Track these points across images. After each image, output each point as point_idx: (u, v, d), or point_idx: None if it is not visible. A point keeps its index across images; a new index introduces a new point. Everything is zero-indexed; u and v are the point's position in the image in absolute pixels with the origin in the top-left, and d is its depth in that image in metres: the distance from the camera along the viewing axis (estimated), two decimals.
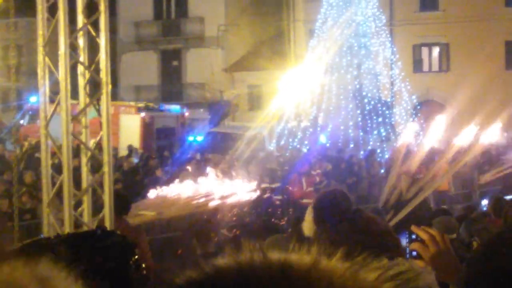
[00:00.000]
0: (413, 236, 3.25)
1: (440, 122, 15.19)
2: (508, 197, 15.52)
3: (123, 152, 27.53)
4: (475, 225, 8.97)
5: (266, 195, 20.61)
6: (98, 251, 2.62)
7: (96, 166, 9.01)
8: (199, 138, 29.68)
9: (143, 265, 2.85)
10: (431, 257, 3.19)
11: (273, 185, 20.84)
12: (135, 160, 25.74)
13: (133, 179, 21.22)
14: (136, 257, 2.75)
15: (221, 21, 43.35)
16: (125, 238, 2.80)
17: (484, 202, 15.51)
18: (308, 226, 5.08)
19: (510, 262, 2.55)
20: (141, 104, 33.24)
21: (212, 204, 14.07)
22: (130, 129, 31.03)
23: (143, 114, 32.08)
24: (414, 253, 3.26)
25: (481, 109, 37.47)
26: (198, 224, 7.62)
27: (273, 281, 1.20)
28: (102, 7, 8.35)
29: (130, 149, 27.61)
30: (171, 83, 44.45)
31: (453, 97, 40.17)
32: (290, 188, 20.74)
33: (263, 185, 20.95)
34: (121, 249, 2.73)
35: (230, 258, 1.25)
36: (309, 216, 5.11)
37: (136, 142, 30.32)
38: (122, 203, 8.98)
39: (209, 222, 8.15)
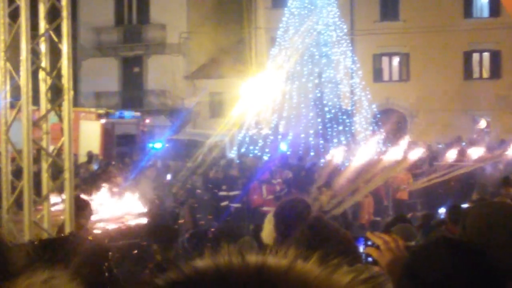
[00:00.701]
0: (369, 242, 3.30)
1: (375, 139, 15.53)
2: (465, 205, 15.69)
3: (82, 158, 27.31)
4: (432, 232, 9.08)
5: (224, 203, 20.61)
6: (73, 256, 2.63)
7: (56, 172, 8.95)
8: (160, 145, 29.57)
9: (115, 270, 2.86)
10: (386, 263, 3.24)
11: (231, 193, 20.82)
12: (94, 166, 25.56)
13: (93, 186, 21.05)
14: (109, 261, 2.77)
15: (183, 28, 43.28)
16: (99, 244, 2.83)
17: (442, 210, 15.67)
18: (267, 234, 5.11)
19: (430, 274, 2.63)
20: (101, 111, 32.99)
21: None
22: (90, 135, 30.77)
23: (103, 120, 31.85)
24: (370, 258, 3.31)
25: (440, 118, 38.05)
26: (159, 230, 7.61)
27: (251, 283, 1.23)
28: (65, 13, 8.32)
29: (90, 155, 27.40)
30: (132, 90, 44.21)
31: (413, 106, 40.65)
32: (250, 195, 20.77)
33: (221, 193, 20.93)
34: (95, 254, 2.74)
35: (209, 260, 1.28)
36: (268, 224, 5.13)
37: (96, 148, 30.08)
38: (84, 209, 8.94)
39: (171, 228, 8.15)
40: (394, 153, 14.65)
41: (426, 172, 21.67)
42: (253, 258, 1.28)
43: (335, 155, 15.63)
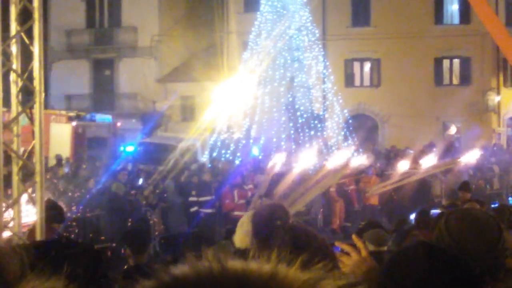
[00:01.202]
0: (338, 249, 3.32)
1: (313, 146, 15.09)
2: (435, 211, 15.76)
3: (52, 161, 27.11)
4: (406, 237, 9.10)
5: (193, 209, 20.54)
6: (66, 259, 2.59)
7: (26, 175, 8.86)
8: (131, 149, 29.44)
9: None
10: (355, 268, 3.25)
11: (201, 199, 20.74)
12: (65, 169, 25.38)
13: (64, 189, 20.90)
14: (103, 264, 2.73)
15: (155, 31, 43.17)
16: (92, 247, 2.79)
17: (413, 216, 15.75)
18: (240, 238, 5.08)
19: (409, 279, 2.63)
20: (72, 113, 32.78)
21: None
22: (61, 138, 30.53)
23: (74, 123, 31.66)
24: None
25: (411, 124, 38.30)
26: (132, 234, 7.55)
27: None
28: (36, 15, 8.24)
29: (58, 158, 27.21)
30: (103, 93, 43.99)
31: (384, 111, 40.88)
32: (222, 200, 20.73)
33: (191, 199, 20.85)
34: (88, 257, 2.70)
35: (189, 267, 1.24)
36: (240, 228, 5.11)
37: (66, 151, 29.89)
38: (56, 213, 8.85)
39: (144, 233, 8.08)
40: (338, 159, 14.15)
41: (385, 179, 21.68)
42: (234, 264, 1.24)
43: (278, 161, 14.82)
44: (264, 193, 13.06)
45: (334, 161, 13.82)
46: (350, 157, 14.48)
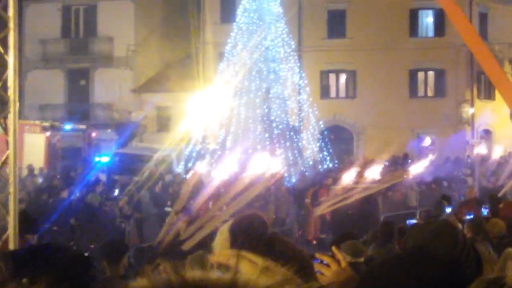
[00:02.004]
0: (317, 260, 3.32)
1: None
2: (412, 221, 15.84)
3: (26, 172, 26.90)
4: (386, 246, 9.14)
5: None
6: (57, 264, 2.56)
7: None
8: (106, 159, 29.29)
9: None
10: (334, 279, 3.26)
11: None
12: (39, 180, 25.20)
13: (37, 199, 20.74)
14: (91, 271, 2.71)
15: (131, 41, 43.06)
16: (82, 252, 2.76)
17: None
18: (220, 245, 5.04)
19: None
20: (46, 123, 32.57)
21: None
22: (35, 148, 30.32)
23: (48, 133, 31.45)
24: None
25: (386, 135, 38.46)
26: (109, 246, 7.49)
27: None
28: (12, 24, 8.19)
29: (30, 168, 27.00)
30: (78, 103, 43.76)
31: (359, 123, 41.05)
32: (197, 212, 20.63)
33: (167, 209, 20.75)
34: (78, 262, 2.67)
35: (147, 281, 1.21)
36: (221, 235, 5.07)
37: (40, 161, 29.68)
38: (29, 223, 8.77)
39: (119, 244, 8.02)
40: (259, 167, 12.99)
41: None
42: (193, 275, 1.22)
43: (197, 172, 13.66)
44: (181, 208, 12.14)
45: (255, 170, 12.82)
46: (272, 164, 13.31)
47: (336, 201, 15.75)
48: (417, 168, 15.27)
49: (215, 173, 13.62)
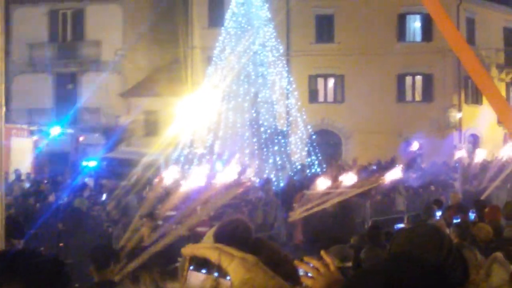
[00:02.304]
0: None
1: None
2: (399, 226, 15.84)
3: (13, 176, 26.80)
4: (367, 253, 9.13)
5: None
6: (31, 269, 2.54)
7: None
8: (94, 163, 29.22)
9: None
10: (323, 284, 3.25)
11: (165, 213, 20.58)
12: (26, 184, 25.11)
13: (25, 204, 20.67)
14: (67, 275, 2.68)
15: (118, 45, 43.00)
16: (56, 257, 2.73)
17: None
18: None
19: None
20: (33, 128, 32.48)
21: None
22: (22, 153, 30.23)
23: (35, 137, 31.37)
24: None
25: (374, 139, 38.55)
26: (97, 251, 7.45)
27: None
28: None
29: (18, 173, 26.91)
30: (66, 107, 43.59)
31: (347, 127, 41.12)
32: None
33: None
34: (52, 267, 2.65)
35: None
36: (208, 240, 5.07)
37: (27, 166, 29.58)
38: (15, 228, 8.73)
39: (107, 249, 7.99)
40: (228, 175, 12.49)
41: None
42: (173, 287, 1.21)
43: (166, 177, 13.18)
44: (146, 213, 11.82)
45: (225, 177, 12.49)
46: (241, 172, 12.82)
47: (311, 207, 15.25)
48: (393, 174, 14.76)
49: (186, 180, 13.08)
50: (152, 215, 11.70)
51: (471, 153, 32.60)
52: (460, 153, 23.81)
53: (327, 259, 3.44)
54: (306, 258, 3.37)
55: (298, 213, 15.15)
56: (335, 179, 16.22)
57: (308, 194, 16.98)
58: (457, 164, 33.81)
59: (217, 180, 12.34)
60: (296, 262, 3.23)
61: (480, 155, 23.23)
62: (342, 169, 31.37)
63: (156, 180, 13.91)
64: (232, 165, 13.49)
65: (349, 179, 14.90)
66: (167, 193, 14.31)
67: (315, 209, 15.11)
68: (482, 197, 16.53)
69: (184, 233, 11.43)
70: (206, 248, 1.79)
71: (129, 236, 10.94)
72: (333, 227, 16.33)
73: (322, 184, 15.30)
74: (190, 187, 12.94)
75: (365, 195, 24.46)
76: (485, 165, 25.24)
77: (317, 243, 14.06)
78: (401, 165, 25.72)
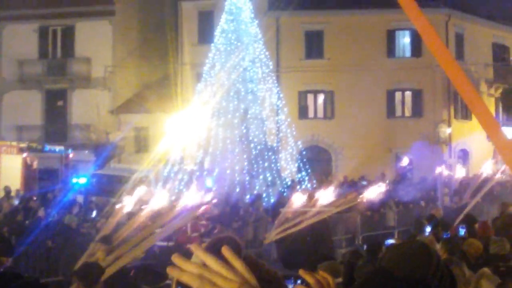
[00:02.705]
0: (298, 282, 3.28)
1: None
2: (389, 241, 15.81)
3: (2, 193, 26.71)
4: (360, 269, 9.12)
5: None
6: None
7: None
8: (84, 180, 29.14)
9: None
10: None
11: (156, 231, 20.53)
12: (16, 201, 25.01)
13: (14, 221, 20.57)
14: None
15: (108, 62, 42.99)
16: (37, 279, 2.72)
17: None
18: None
19: None
20: (23, 144, 32.37)
21: None
22: (11, 169, 30.12)
23: (25, 154, 31.26)
24: None
25: (364, 155, 38.59)
26: (84, 268, 7.42)
27: None
28: None
29: (7, 190, 26.81)
30: (56, 124, 43.55)
31: (337, 143, 41.17)
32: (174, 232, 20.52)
33: None
34: None
35: None
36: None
37: (17, 183, 29.46)
38: (4, 246, 8.68)
39: (95, 266, 7.95)
40: (191, 198, 11.73)
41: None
42: None
43: (130, 201, 12.32)
44: (102, 237, 11.44)
45: (187, 200, 11.89)
46: (203, 194, 12.11)
47: (287, 227, 14.38)
48: (371, 192, 14.03)
49: (148, 202, 12.54)
50: (107, 238, 11.28)
51: (460, 168, 32.65)
52: (440, 169, 23.59)
53: (324, 274, 3.42)
54: (301, 272, 3.35)
55: (273, 235, 14.40)
56: (311, 196, 15.43)
57: (284, 212, 15.75)
58: (446, 180, 33.90)
59: (178, 201, 11.80)
60: (300, 271, 3.21)
61: (461, 171, 23.16)
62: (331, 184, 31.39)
63: (118, 205, 13.29)
64: (193, 186, 12.86)
65: (325, 197, 14.17)
66: (129, 216, 13.67)
67: (291, 230, 14.50)
68: (463, 214, 16.46)
69: (139, 256, 11.09)
70: (189, 276, 1.79)
71: (84, 260, 10.73)
72: (309, 246, 15.72)
73: (298, 201, 14.54)
74: (153, 209, 12.40)
75: (355, 209, 24.52)
76: (465, 181, 25.21)
77: (293, 263, 13.63)
78: (386, 182, 25.60)
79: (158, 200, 12.37)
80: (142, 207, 12.41)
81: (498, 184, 26.57)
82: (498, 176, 17.78)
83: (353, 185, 30.38)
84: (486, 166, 18.51)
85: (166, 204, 12.65)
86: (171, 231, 11.80)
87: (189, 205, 11.28)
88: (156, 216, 12.90)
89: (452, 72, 3.16)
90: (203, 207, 11.70)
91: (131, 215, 13.62)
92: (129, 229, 11.73)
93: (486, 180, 18.59)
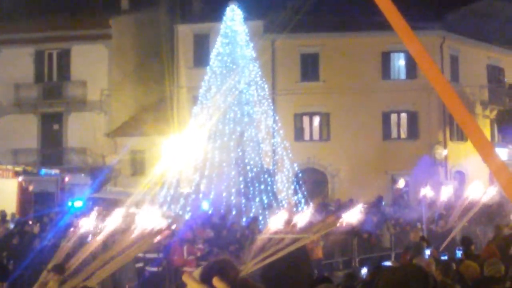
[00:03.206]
0: None
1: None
2: (386, 263, 15.77)
3: None
4: None
5: (139, 265, 20.15)
6: None
7: None
8: (80, 204, 29.06)
9: None
10: None
11: (148, 255, 20.39)
12: (11, 225, 24.93)
13: (9, 245, 20.49)
14: None
15: (104, 85, 43.05)
16: None
17: (364, 270, 15.71)
18: None
19: None
20: (19, 168, 32.33)
21: None
22: (7, 193, 30.06)
23: (20, 178, 31.20)
24: None
25: (360, 177, 38.59)
26: None
27: None
28: None
29: (3, 214, 26.74)
30: (51, 147, 43.52)
31: (333, 165, 41.16)
32: (170, 256, 20.43)
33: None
34: None
35: None
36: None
37: (13, 207, 29.39)
38: (0, 270, 8.66)
39: None
40: (148, 222, 10.87)
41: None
42: None
43: (83, 225, 11.74)
44: (54, 266, 10.89)
45: (144, 226, 11.22)
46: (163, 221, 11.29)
47: (264, 257, 13.46)
48: (351, 215, 13.37)
49: (101, 228, 11.89)
50: (59, 267, 10.79)
51: (457, 190, 32.47)
52: (424, 191, 23.29)
53: None
54: None
55: (250, 266, 13.45)
56: (288, 222, 14.74)
57: (260, 240, 14.90)
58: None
59: (136, 227, 11.14)
60: None
61: (446, 194, 22.78)
62: (327, 207, 31.40)
63: (72, 228, 12.72)
64: (151, 211, 12.24)
65: (304, 221, 13.44)
66: (81, 242, 13.04)
67: (269, 260, 13.72)
68: (448, 239, 16.27)
69: (94, 286, 10.61)
70: None
71: None
72: (288, 272, 15.05)
73: (275, 227, 13.71)
74: (108, 235, 11.66)
75: (352, 232, 24.47)
76: (450, 204, 24.91)
77: None
78: (383, 204, 25.35)
79: (113, 223, 11.50)
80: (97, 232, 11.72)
81: (494, 205, 26.51)
82: (484, 199, 17.61)
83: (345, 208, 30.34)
84: (473, 188, 18.35)
85: (123, 227, 11.99)
86: (128, 259, 11.29)
87: (146, 231, 10.68)
88: (111, 242, 12.41)
89: (446, 95, 3.18)
90: (161, 234, 11.05)
91: (83, 239, 13.08)
92: (82, 256, 11.16)
93: (473, 203, 18.37)
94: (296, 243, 11.52)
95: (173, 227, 16.07)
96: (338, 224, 12.93)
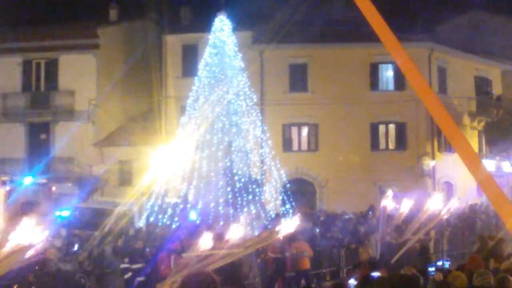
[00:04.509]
0: None
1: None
2: (375, 274, 15.71)
3: None
4: None
5: (127, 275, 20.07)
6: None
7: None
8: (67, 213, 28.94)
9: None
10: None
11: (134, 266, 20.33)
12: None
13: None
14: None
15: (92, 95, 42.93)
16: None
17: (351, 281, 15.66)
18: None
19: None
20: (5, 177, 32.14)
21: None
22: None
23: (7, 187, 31.02)
24: None
25: (348, 188, 38.62)
26: None
27: None
28: None
29: None
30: (39, 157, 43.31)
31: (321, 176, 41.17)
32: (158, 266, 20.36)
33: (123, 266, 20.39)
34: None
35: None
36: None
37: None
38: None
39: None
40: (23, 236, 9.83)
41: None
42: None
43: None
44: None
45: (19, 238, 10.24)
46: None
47: (186, 274, 11.93)
48: (288, 227, 12.35)
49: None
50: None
51: (445, 201, 32.45)
52: (384, 202, 23.03)
53: None
54: None
55: (168, 284, 12.09)
56: (220, 237, 13.90)
57: (185, 257, 13.77)
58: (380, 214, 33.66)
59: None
60: None
61: (405, 206, 22.48)
62: (313, 217, 31.31)
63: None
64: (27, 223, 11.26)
65: (236, 236, 12.53)
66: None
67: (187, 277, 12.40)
68: (401, 251, 15.96)
69: None
70: None
71: None
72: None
73: (205, 244, 12.66)
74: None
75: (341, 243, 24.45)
76: (409, 217, 24.72)
77: None
78: (369, 215, 25.23)
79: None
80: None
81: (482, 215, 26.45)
82: (444, 212, 17.45)
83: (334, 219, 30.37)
84: (433, 201, 18.19)
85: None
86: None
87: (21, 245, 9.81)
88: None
89: (433, 107, 3.17)
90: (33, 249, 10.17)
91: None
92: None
93: (432, 215, 18.18)
94: (224, 259, 10.85)
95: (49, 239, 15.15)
96: (274, 238, 12.20)
